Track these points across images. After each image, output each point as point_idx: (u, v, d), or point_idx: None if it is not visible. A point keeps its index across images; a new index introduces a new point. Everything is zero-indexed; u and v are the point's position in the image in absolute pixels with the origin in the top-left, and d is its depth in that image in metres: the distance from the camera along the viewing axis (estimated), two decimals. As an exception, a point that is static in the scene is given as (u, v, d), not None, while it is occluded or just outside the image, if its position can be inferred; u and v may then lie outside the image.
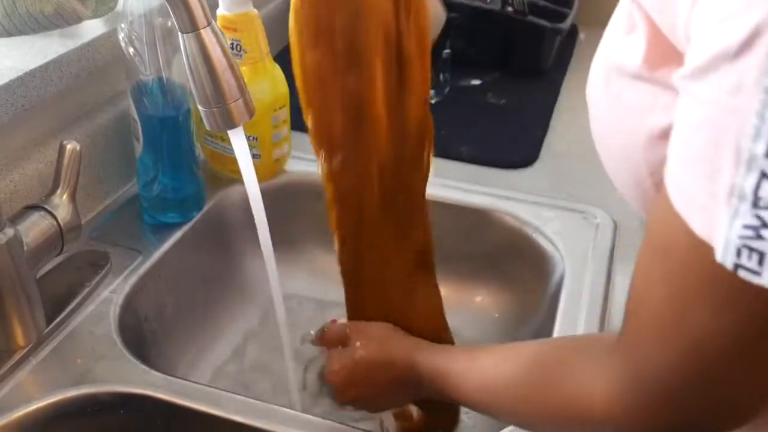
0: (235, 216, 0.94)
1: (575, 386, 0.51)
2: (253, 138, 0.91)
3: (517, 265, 0.94)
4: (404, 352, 0.68)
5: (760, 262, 0.34)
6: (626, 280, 0.82)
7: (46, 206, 0.71)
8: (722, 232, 0.35)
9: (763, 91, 0.33)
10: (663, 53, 0.41)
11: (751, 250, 0.34)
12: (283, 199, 0.97)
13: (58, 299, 0.75)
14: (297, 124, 0.98)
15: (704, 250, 0.36)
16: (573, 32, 1.41)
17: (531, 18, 1.25)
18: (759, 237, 0.34)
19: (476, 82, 1.25)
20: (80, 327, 0.74)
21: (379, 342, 0.70)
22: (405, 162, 0.67)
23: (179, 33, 0.60)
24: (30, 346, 0.70)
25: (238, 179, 0.69)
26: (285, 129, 0.94)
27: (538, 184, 0.99)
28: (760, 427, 0.45)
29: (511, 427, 0.65)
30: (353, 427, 0.67)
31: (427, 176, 0.70)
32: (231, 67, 0.61)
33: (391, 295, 0.72)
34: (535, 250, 0.90)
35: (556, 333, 0.76)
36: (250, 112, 0.64)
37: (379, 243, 0.69)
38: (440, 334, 0.74)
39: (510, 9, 1.25)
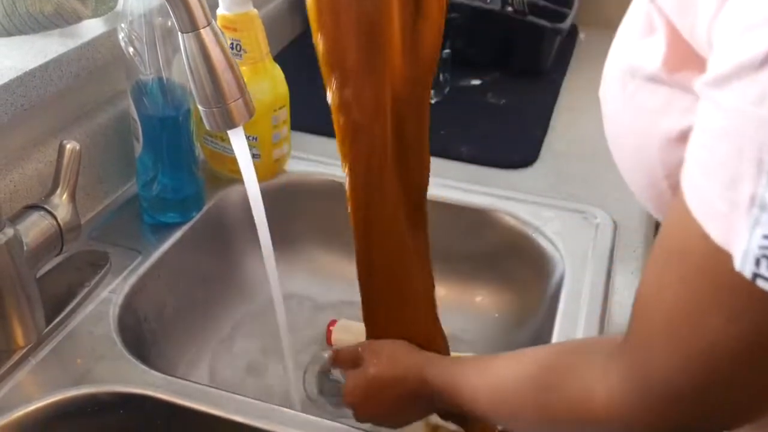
0: (234, 216, 0.94)
1: (578, 388, 0.51)
2: (253, 138, 0.91)
3: (517, 265, 0.94)
4: (415, 368, 0.69)
5: None
6: (626, 280, 0.83)
7: (45, 206, 0.71)
8: (742, 242, 0.35)
9: None
10: (682, 57, 0.41)
11: None
12: (283, 199, 0.97)
13: (57, 299, 0.75)
14: (297, 124, 0.98)
15: (721, 256, 0.36)
16: (573, 32, 1.41)
17: (531, 18, 1.25)
18: None
19: (476, 82, 1.25)
20: (80, 327, 0.74)
21: (390, 359, 0.71)
22: (415, 92, 0.66)
23: (179, 33, 0.60)
24: (30, 346, 0.70)
25: (238, 179, 0.69)
26: (285, 129, 0.94)
27: (538, 184, 0.99)
28: (764, 426, 0.45)
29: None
30: (353, 427, 0.67)
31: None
32: (231, 66, 0.61)
33: (398, 235, 0.71)
34: (535, 250, 0.90)
35: (556, 333, 0.76)
36: (250, 112, 0.64)
37: (389, 178, 0.67)
38: (429, 278, 0.76)
39: (510, 9, 1.25)
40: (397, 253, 0.71)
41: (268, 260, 0.71)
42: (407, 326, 0.74)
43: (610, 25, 1.65)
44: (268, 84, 0.90)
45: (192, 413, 0.67)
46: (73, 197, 0.73)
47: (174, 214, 0.88)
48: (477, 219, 0.95)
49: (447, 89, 1.18)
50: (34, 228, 0.70)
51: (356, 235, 0.70)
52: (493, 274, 0.96)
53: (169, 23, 0.77)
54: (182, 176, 0.87)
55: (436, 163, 1.00)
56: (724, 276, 0.37)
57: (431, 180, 0.93)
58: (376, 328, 0.75)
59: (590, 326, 0.76)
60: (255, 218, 0.69)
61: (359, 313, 0.75)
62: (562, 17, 1.29)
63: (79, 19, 0.82)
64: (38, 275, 0.72)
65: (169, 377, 0.70)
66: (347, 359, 0.73)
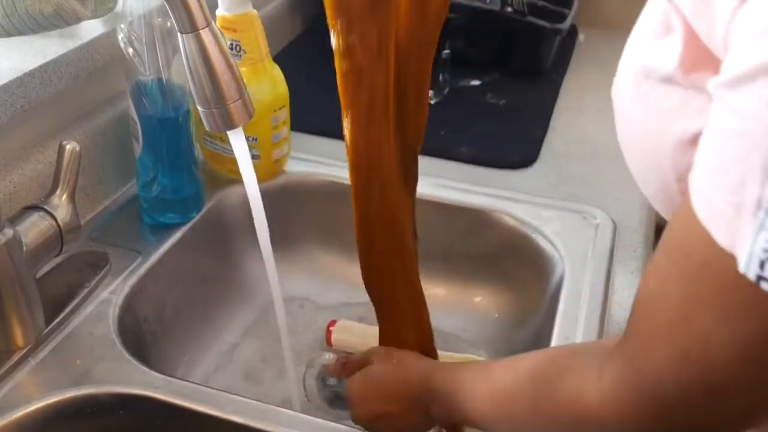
0: (234, 217, 0.94)
1: (572, 388, 0.51)
2: (253, 138, 0.91)
3: (516, 266, 0.94)
4: (421, 372, 0.69)
5: None
6: (626, 281, 0.83)
7: (45, 207, 0.71)
8: (746, 245, 0.35)
9: None
10: (698, 58, 0.41)
11: None
12: (283, 200, 0.97)
13: (57, 300, 0.75)
14: (297, 124, 0.98)
15: (724, 259, 0.37)
16: (572, 33, 1.41)
17: (530, 18, 1.25)
18: None
19: (476, 82, 1.25)
20: (79, 328, 0.74)
21: (398, 360, 0.71)
22: (421, 43, 0.65)
23: (178, 33, 0.60)
24: (29, 346, 0.70)
25: (237, 180, 0.69)
26: (285, 130, 0.94)
27: (538, 184, 0.99)
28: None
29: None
30: (353, 428, 0.67)
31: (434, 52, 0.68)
32: (230, 67, 0.61)
33: (395, 186, 0.70)
34: (534, 250, 0.90)
35: (555, 333, 0.76)
36: (250, 113, 0.64)
37: (390, 127, 0.67)
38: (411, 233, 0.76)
39: (509, 9, 1.25)
40: (395, 206, 0.70)
41: (268, 261, 0.71)
42: (403, 283, 0.74)
43: (610, 26, 1.67)
44: (268, 84, 0.90)
45: (191, 414, 0.67)
46: (72, 198, 0.73)
47: (174, 214, 0.88)
48: (477, 219, 0.95)
49: (447, 90, 1.18)
50: (33, 229, 0.70)
51: (355, 188, 0.69)
52: (493, 275, 0.96)
53: (169, 24, 0.77)
54: (182, 177, 0.87)
55: (435, 164, 1.01)
56: (725, 277, 0.37)
57: (431, 180, 0.93)
58: (372, 280, 0.74)
59: (590, 326, 0.76)
60: (254, 219, 0.69)
61: (359, 313, 0.76)
62: (562, 17, 1.29)
63: (78, 19, 0.82)
64: (38, 276, 0.72)
65: (169, 378, 0.70)
66: (354, 367, 0.73)
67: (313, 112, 1.00)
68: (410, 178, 0.73)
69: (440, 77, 1.16)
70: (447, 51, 1.15)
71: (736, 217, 0.36)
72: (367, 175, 0.69)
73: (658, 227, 0.95)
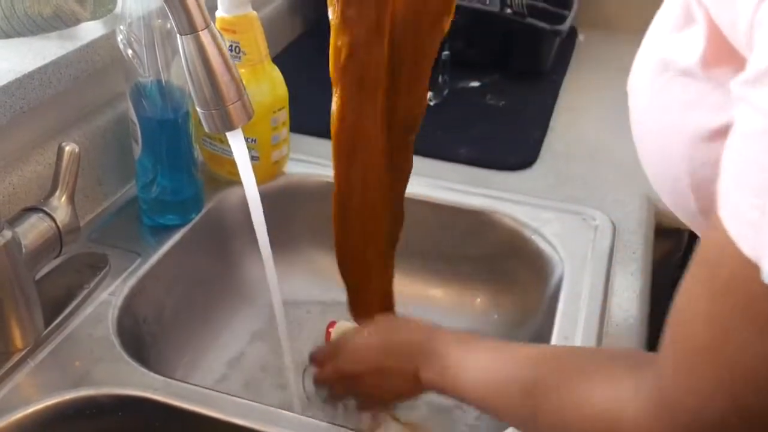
0: (234, 218, 0.94)
1: (609, 396, 0.48)
2: (252, 140, 0.91)
3: (516, 267, 0.94)
4: (421, 332, 0.67)
5: None
6: (625, 282, 0.83)
7: (44, 208, 0.71)
8: None
9: None
10: (720, 52, 0.40)
11: None
12: (282, 201, 0.97)
13: (56, 301, 0.75)
14: (296, 126, 0.98)
15: (751, 270, 0.35)
16: (572, 34, 1.41)
17: (530, 20, 1.25)
18: None
19: (475, 83, 1.25)
20: (79, 329, 0.74)
21: (394, 321, 0.71)
22: (421, 22, 0.65)
23: (177, 35, 0.60)
24: (28, 348, 0.70)
25: (237, 181, 0.69)
26: (284, 131, 0.94)
27: (538, 185, 0.99)
28: None
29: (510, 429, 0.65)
30: (352, 429, 0.67)
31: (439, 41, 0.67)
32: (229, 69, 0.61)
33: (379, 168, 0.71)
34: (534, 251, 0.90)
35: (555, 334, 0.76)
36: (249, 114, 0.64)
37: (374, 107, 0.67)
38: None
39: (509, 11, 1.25)
40: (375, 191, 0.70)
41: (267, 262, 0.71)
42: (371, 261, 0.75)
43: (609, 27, 1.67)
44: (267, 86, 0.90)
45: (191, 416, 0.67)
46: (72, 199, 0.73)
47: (173, 216, 0.88)
48: (476, 221, 0.95)
49: (446, 91, 1.18)
50: (32, 230, 0.70)
51: (337, 167, 0.71)
52: (493, 276, 0.96)
53: (168, 25, 0.77)
54: (181, 178, 0.87)
55: (435, 165, 1.01)
56: (753, 289, 0.35)
57: (430, 181, 0.93)
58: (346, 259, 0.75)
59: (589, 327, 0.76)
60: (253, 220, 0.69)
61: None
62: (561, 19, 1.29)
63: (77, 21, 0.82)
64: (37, 277, 0.72)
65: (168, 379, 0.70)
66: (327, 355, 0.72)
67: (312, 114, 0.99)
68: (400, 167, 0.72)
69: (440, 79, 1.16)
70: (446, 52, 1.16)
71: (759, 221, 0.34)
72: (350, 156, 0.69)
73: (658, 229, 0.95)
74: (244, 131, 0.65)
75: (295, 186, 0.99)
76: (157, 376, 0.69)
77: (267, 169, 0.95)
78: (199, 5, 0.59)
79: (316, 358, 0.75)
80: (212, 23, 0.60)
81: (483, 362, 0.61)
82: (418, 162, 0.76)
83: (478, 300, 0.97)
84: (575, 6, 1.35)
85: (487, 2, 1.25)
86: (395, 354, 0.67)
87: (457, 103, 1.18)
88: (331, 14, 0.63)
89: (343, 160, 0.70)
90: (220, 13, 0.85)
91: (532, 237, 0.91)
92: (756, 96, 0.35)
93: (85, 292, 0.77)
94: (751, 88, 0.35)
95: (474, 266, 0.97)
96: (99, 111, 0.89)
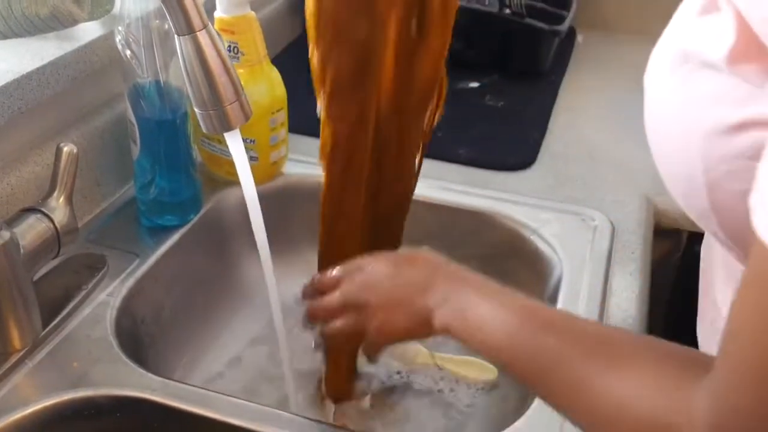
0: (232, 219, 0.94)
1: (651, 401, 0.45)
2: (251, 140, 0.91)
3: (515, 267, 0.93)
4: (450, 267, 0.63)
5: None
6: (624, 282, 0.83)
7: (42, 209, 0.71)
8: None
9: None
10: (749, 49, 0.39)
11: None
12: (281, 202, 0.97)
13: (54, 302, 0.75)
14: (294, 126, 0.98)
15: None
16: (571, 34, 1.41)
17: (529, 20, 1.25)
18: None
19: (474, 84, 1.25)
20: (77, 330, 0.74)
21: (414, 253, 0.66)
22: (405, 115, 0.67)
23: (175, 36, 0.60)
24: (26, 349, 0.70)
25: (235, 182, 0.69)
26: (282, 132, 0.94)
27: (536, 186, 0.99)
28: None
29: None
30: (350, 430, 0.67)
31: (428, 133, 0.70)
32: (227, 69, 0.61)
33: (359, 247, 0.72)
34: (533, 252, 0.90)
35: (554, 335, 0.76)
36: (247, 115, 0.64)
37: (360, 188, 0.70)
38: None
39: (508, 11, 1.25)
40: (352, 254, 0.69)
41: (266, 263, 0.71)
42: None
43: (608, 27, 1.66)
44: (266, 86, 0.90)
45: (189, 416, 0.67)
46: (70, 200, 0.73)
47: (171, 216, 0.88)
48: (475, 221, 0.95)
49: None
50: (30, 231, 0.70)
51: (321, 224, 0.74)
52: (492, 276, 0.95)
53: (166, 26, 0.77)
54: (180, 179, 0.87)
55: (434, 166, 1.01)
56: None
57: (429, 182, 0.93)
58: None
59: (588, 328, 0.76)
60: (252, 221, 0.68)
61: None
62: (560, 19, 1.29)
63: (75, 21, 0.82)
64: (35, 278, 0.72)
65: (167, 380, 0.70)
66: (335, 280, 0.67)
67: (311, 115, 0.99)
68: (385, 242, 0.74)
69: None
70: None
71: None
72: (331, 227, 0.73)
73: (657, 229, 0.95)
74: (242, 132, 0.65)
75: (294, 187, 0.98)
76: (155, 377, 0.69)
77: (265, 170, 0.95)
78: (196, 6, 0.59)
79: (322, 282, 0.68)
80: (210, 24, 0.60)
81: (510, 326, 0.55)
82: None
83: (477, 300, 0.97)
84: (574, 6, 1.35)
85: (486, 3, 1.25)
86: (411, 287, 0.62)
87: (456, 103, 1.17)
88: (318, 107, 0.66)
89: (325, 227, 0.74)
90: (218, 14, 0.85)
91: (531, 237, 0.91)
92: None
93: (83, 292, 0.77)
94: None
95: (472, 267, 0.96)
96: (97, 112, 0.89)
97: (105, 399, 0.68)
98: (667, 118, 0.47)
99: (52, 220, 0.71)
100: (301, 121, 1.00)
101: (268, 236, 0.70)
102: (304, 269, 1.00)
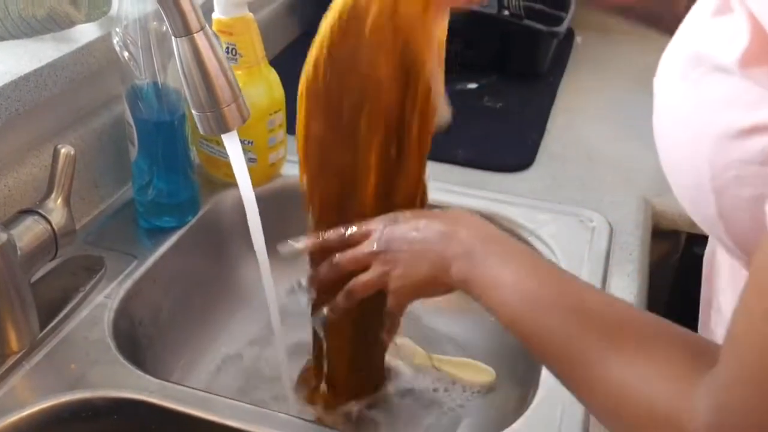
0: (230, 220, 0.94)
1: (656, 391, 0.45)
2: (249, 142, 0.91)
3: (513, 269, 0.94)
4: (473, 219, 0.63)
5: None
6: (622, 283, 0.83)
7: (40, 211, 0.71)
8: None
9: None
10: (762, 52, 0.39)
11: None
12: (279, 204, 0.96)
13: (52, 304, 0.75)
14: (292, 128, 0.98)
15: None
16: (569, 36, 1.41)
17: (527, 21, 1.25)
18: None
19: (473, 85, 1.25)
20: (74, 332, 0.74)
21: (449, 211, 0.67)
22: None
23: (172, 37, 0.60)
24: (24, 350, 0.70)
25: (233, 183, 0.69)
26: (281, 133, 0.94)
27: (535, 187, 0.99)
28: None
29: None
30: (345, 430, 0.67)
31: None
32: (224, 71, 0.61)
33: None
34: (531, 253, 0.90)
35: (552, 337, 0.76)
36: (244, 117, 0.64)
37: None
38: None
39: (506, 12, 1.25)
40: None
41: (263, 265, 0.71)
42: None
43: (607, 29, 1.66)
44: (264, 88, 0.90)
45: (186, 418, 0.67)
46: (67, 202, 0.73)
47: (169, 218, 0.88)
48: (473, 222, 0.95)
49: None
50: (28, 233, 0.69)
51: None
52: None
53: (164, 28, 0.77)
54: (178, 180, 0.87)
55: (432, 167, 1.00)
56: None
57: (428, 183, 0.93)
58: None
59: (586, 330, 0.76)
60: (249, 223, 0.68)
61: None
62: (559, 21, 1.29)
63: (72, 23, 0.82)
64: (32, 280, 0.72)
65: (164, 382, 0.70)
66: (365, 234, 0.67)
67: (309, 116, 1.00)
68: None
69: (437, 80, 1.16)
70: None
71: None
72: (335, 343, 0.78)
73: (655, 230, 0.95)
74: (240, 133, 0.65)
75: (292, 188, 0.98)
76: (152, 379, 0.69)
77: (263, 172, 0.95)
78: (193, 7, 0.59)
79: (352, 235, 0.67)
80: (207, 25, 0.60)
81: (527, 293, 0.55)
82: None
83: (475, 303, 0.97)
84: (572, 8, 1.35)
85: (485, 4, 1.25)
86: (436, 236, 0.62)
87: (455, 104, 1.17)
88: (309, 220, 0.73)
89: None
90: (216, 15, 0.85)
91: (529, 238, 0.91)
92: None
93: (80, 294, 0.77)
94: None
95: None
96: (95, 113, 0.89)
97: (102, 401, 0.68)
98: (677, 123, 0.46)
99: (49, 222, 0.71)
100: (300, 123, 1.00)
101: (265, 238, 0.70)
102: (302, 271, 1.00)
